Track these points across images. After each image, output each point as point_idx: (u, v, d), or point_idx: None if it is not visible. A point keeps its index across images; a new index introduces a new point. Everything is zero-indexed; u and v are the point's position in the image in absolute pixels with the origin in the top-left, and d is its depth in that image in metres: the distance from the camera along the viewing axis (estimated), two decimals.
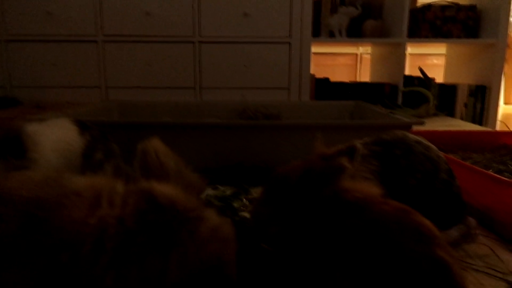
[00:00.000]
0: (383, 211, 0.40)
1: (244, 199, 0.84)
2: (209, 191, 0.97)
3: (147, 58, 2.13)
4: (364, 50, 3.45)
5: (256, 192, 1.06)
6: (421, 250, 0.36)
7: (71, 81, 2.14)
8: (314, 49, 3.46)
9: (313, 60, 3.54)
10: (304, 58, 2.16)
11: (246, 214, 0.75)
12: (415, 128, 1.43)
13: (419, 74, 2.29)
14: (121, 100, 2.03)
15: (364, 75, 3.08)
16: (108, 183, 0.47)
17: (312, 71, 2.20)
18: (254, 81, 2.17)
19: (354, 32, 2.34)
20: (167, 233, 0.42)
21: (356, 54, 3.62)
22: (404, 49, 2.23)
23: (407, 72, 3.36)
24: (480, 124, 2.35)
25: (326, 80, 2.43)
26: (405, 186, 0.69)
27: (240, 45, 2.13)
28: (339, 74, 3.50)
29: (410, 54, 3.51)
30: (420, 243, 0.37)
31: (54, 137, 0.88)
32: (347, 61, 3.66)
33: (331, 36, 2.29)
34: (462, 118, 2.35)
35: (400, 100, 2.27)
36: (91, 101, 2.06)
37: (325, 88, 2.39)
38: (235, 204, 0.81)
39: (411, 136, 0.73)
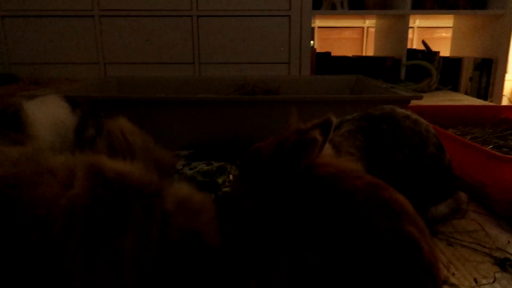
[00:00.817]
0: (353, 186, 0.39)
1: (231, 175, 0.84)
2: (202, 167, 0.96)
3: (144, 33, 2.10)
4: (371, 23, 3.37)
5: None
6: (388, 225, 0.35)
7: (69, 57, 2.13)
8: (319, 23, 3.39)
9: (318, 35, 3.48)
10: (305, 31, 2.11)
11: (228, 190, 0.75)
12: (415, 102, 1.40)
13: (423, 47, 2.23)
14: (119, 76, 2.01)
15: (371, 49, 3.01)
16: (83, 161, 0.46)
17: (316, 45, 2.16)
18: (253, 55, 2.13)
19: (357, 4, 2.28)
20: (119, 208, 0.41)
21: (362, 28, 3.54)
22: (407, 22, 2.16)
23: (414, 45, 3.29)
24: (485, 99, 2.30)
25: (328, 54, 2.39)
26: (392, 161, 0.68)
27: (238, 18, 2.08)
28: (344, 48, 3.43)
29: (418, 28, 3.42)
30: (387, 218, 0.36)
31: (48, 115, 0.88)
32: (353, 35, 3.59)
33: (333, 8, 2.23)
34: (467, 93, 2.30)
35: (402, 74, 2.22)
36: (90, 77, 2.04)
37: (326, 63, 2.34)
38: (219, 180, 0.81)
39: (400, 110, 0.71)
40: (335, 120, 0.44)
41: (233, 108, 1.23)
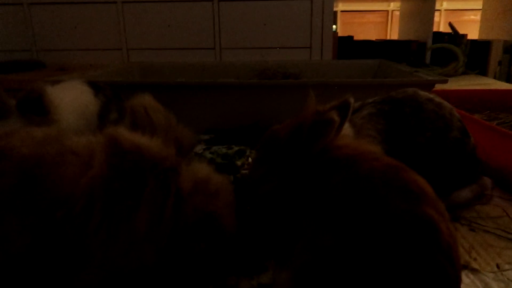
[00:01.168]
0: (371, 167, 0.38)
1: (250, 158, 0.84)
2: (222, 150, 0.97)
3: (166, 18, 2.10)
4: (395, 6, 3.27)
5: None
6: (406, 206, 0.35)
7: (93, 44, 2.16)
8: (341, 6, 3.31)
9: (340, 18, 3.40)
10: (327, 15, 2.07)
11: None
12: (440, 86, 1.37)
13: (450, 30, 2.15)
14: (141, 62, 2.04)
15: (395, 34, 2.93)
16: (102, 135, 0.47)
17: (339, 30, 2.10)
18: (275, 40, 2.11)
19: None
20: (135, 181, 0.41)
21: (387, 11, 3.45)
22: (433, 3, 2.09)
23: (440, 29, 3.18)
24: None
25: (350, 38, 2.34)
26: (414, 144, 0.67)
27: (260, 2, 2.06)
28: (367, 32, 3.35)
29: (445, 10, 3.30)
30: (406, 200, 0.36)
31: (72, 99, 0.91)
32: (377, 19, 3.50)
33: None
34: (495, 77, 2.22)
35: (428, 58, 2.16)
36: (113, 63, 2.07)
37: (348, 47, 2.30)
38: (238, 162, 0.81)
39: (423, 93, 0.70)
40: (353, 102, 0.44)
41: (254, 93, 1.23)
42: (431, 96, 0.70)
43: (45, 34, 2.16)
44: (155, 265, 0.44)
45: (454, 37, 2.10)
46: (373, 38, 2.59)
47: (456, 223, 0.69)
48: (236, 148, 0.93)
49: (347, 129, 0.61)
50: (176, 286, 0.49)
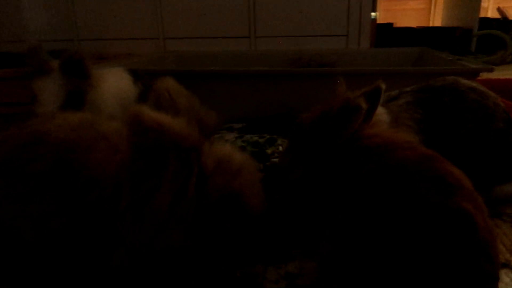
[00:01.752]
0: (404, 157, 0.37)
1: (280, 147, 0.84)
2: (253, 138, 0.97)
3: (202, 7, 2.11)
4: None
5: None
6: (440, 199, 0.33)
7: (131, 33, 2.21)
8: None
9: (381, 5, 3.28)
10: (365, 1, 2.00)
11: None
12: (485, 75, 1.29)
13: (498, 16, 2.03)
14: (177, 51, 2.06)
15: (438, 21, 2.79)
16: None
17: (379, 17, 2.01)
18: (310, 28, 2.07)
19: None
20: (157, 159, 0.41)
21: None
22: None
23: (489, 15, 3.00)
24: None
25: (389, 25, 2.26)
26: (454, 136, 0.64)
27: None
28: (409, 19, 3.21)
29: None
30: (440, 192, 0.34)
31: (112, 85, 0.94)
32: (419, 5, 3.34)
33: None
34: None
35: (473, 46, 2.05)
36: (150, 52, 2.12)
37: (388, 35, 2.22)
38: (269, 151, 0.81)
39: (464, 82, 0.66)
40: (384, 87, 0.42)
41: (286, 81, 1.22)
42: (474, 84, 0.66)
43: (87, 24, 2.23)
44: (182, 247, 0.45)
45: (503, 23, 1.97)
46: (415, 26, 2.48)
47: (497, 220, 0.65)
48: (267, 137, 0.92)
49: (383, 115, 0.59)
50: (205, 268, 0.49)
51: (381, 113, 0.59)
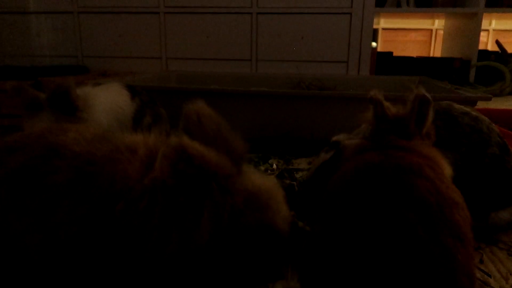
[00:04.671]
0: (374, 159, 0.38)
1: (274, 164, 0.83)
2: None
3: (205, 29, 2.15)
4: (440, 25, 3.18)
5: (298, 163, 1.04)
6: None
7: (134, 52, 2.24)
8: (383, 23, 3.26)
9: (382, 36, 3.34)
10: (366, 30, 2.04)
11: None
12: (483, 106, 1.30)
13: (497, 49, 2.06)
14: (179, 71, 2.09)
15: (439, 53, 2.83)
16: (159, 142, 0.49)
17: (379, 48, 2.05)
18: (311, 53, 2.10)
19: (425, 2, 2.15)
20: (199, 186, 0.43)
21: (431, 30, 3.35)
22: (480, 20, 2.01)
23: (488, 49, 3.05)
24: None
25: (389, 54, 2.29)
26: (447, 160, 0.63)
27: (298, 16, 2.06)
28: (410, 50, 3.27)
29: (494, 30, 3.17)
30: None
31: (107, 100, 0.93)
32: (420, 37, 3.40)
33: (398, 6, 2.13)
34: None
35: (472, 76, 2.07)
36: (152, 71, 2.14)
37: (388, 63, 2.25)
38: (262, 168, 0.80)
39: (458, 107, 0.66)
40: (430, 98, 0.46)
41: (286, 103, 1.22)
42: (467, 109, 0.66)
43: (91, 41, 2.27)
44: (210, 272, 0.45)
45: (501, 55, 2.00)
46: (415, 56, 2.52)
47: (493, 247, 0.64)
48: (260, 155, 0.92)
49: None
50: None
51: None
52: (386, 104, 0.50)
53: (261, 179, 0.50)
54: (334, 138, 0.66)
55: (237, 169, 0.47)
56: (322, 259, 0.36)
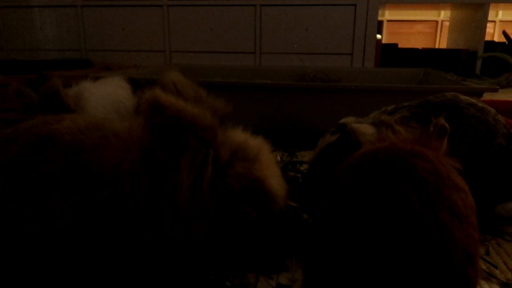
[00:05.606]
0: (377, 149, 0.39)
1: (278, 157, 0.82)
2: None
3: (209, 22, 2.14)
4: (446, 16, 3.14)
5: (302, 155, 1.04)
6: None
7: (138, 45, 2.24)
8: (388, 15, 3.23)
9: (387, 28, 3.31)
10: (370, 21, 2.02)
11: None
12: (490, 97, 1.29)
13: (504, 40, 2.03)
14: (182, 64, 2.08)
15: (444, 45, 2.80)
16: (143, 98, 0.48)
17: (384, 40, 2.03)
18: (316, 46, 2.09)
19: None
20: (175, 134, 0.41)
21: (436, 21, 3.31)
22: (486, 11, 1.98)
23: (495, 39, 3.01)
24: None
25: (394, 46, 2.27)
26: (453, 152, 0.62)
27: (302, 7, 2.04)
28: (416, 42, 3.24)
29: (501, 21, 3.13)
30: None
31: (108, 94, 0.93)
32: (425, 29, 3.37)
33: None
34: None
35: (478, 68, 2.05)
36: (156, 64, 2.14)
37: (393, 55, 2.23)
38: None
39: (464, 98, 0.65)
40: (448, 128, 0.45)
41: (290, 96, 1.22)
42: (473, 100, 0.65)
43: (95, 35, 2.27)
44: (207, 238, 0.44)
45: (508, 46, 1.98)
46: (420, 47, 2.49)
47: (499, 239, 0.63)
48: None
49: (368, 128, 0.60)
50: (235, 257, 0.49)
51: (365, 126, 0.60)
52: (398, 128, 0.49)
53: (249, 136, 0.48)
54: (342, 121, 0.65)
55: (219, 123, 0.45)
56: (322, 233, 0.36)
